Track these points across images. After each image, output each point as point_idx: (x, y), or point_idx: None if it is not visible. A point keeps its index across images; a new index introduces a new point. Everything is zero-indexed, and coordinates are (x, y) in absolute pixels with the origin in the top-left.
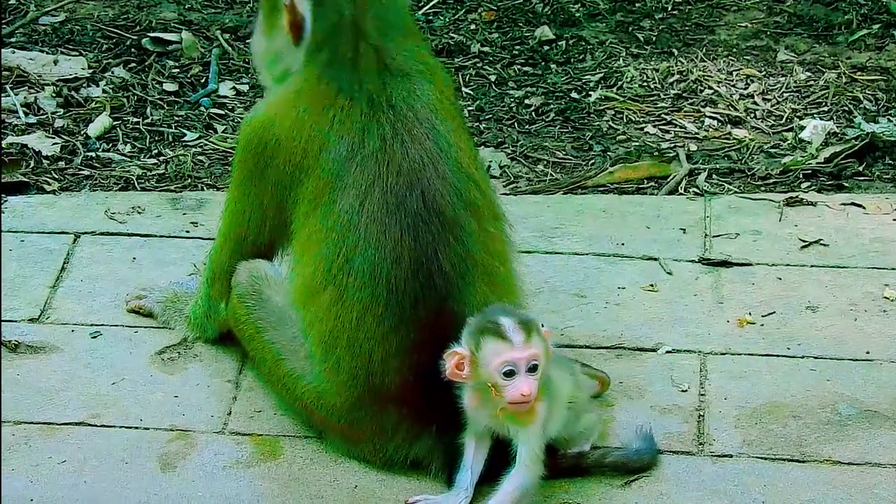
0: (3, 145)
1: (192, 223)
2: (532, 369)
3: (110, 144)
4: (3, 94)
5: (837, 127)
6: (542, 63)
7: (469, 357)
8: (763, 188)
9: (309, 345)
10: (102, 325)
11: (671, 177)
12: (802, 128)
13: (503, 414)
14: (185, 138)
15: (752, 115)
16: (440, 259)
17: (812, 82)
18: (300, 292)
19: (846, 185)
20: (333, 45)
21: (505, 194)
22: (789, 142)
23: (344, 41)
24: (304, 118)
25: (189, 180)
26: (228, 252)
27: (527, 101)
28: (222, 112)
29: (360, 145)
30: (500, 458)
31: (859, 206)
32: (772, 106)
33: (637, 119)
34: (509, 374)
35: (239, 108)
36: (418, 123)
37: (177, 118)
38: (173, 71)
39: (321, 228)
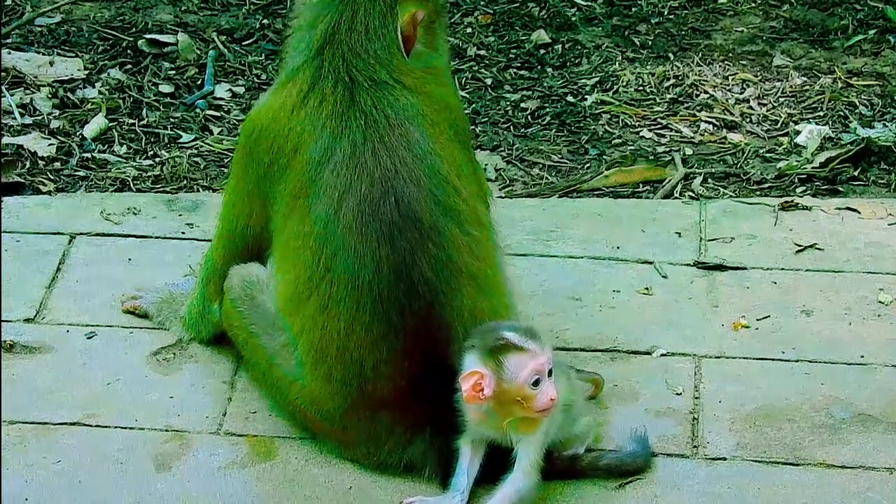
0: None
1: (187, 224)
2: (550, 373)
3: (106, 146)
4: (0, 96)
5: (833, 132)
6: (538, 67)
7: (491, 378)
8: (758, 192)
9: (300, 352)
10: (98, 325)
11: (666, 181)
12: (798, 132)
13: (509, 425)
14: (181, 140)
15: (748, 120)
16: (421, 266)
17: (808, 87)
18: (285, 301)
19: (841, 189)
20: (307, 45)
21: (500, 197)
22: (785, 146)
23: (316, 44)
24: (279, 115)
25: (185, 182)
26: (221, 249)
27: (523, 105)
28: (218, 114)
29: (332, 150)
30: (496, 460)
31: (854, 210)
32: (767, 110)
33: (633, 123)
34: (536, 382)
35: (235, 109)
36: (391, 130)
37: (173, 120)
38: (169, 73)
39: (298, 234)
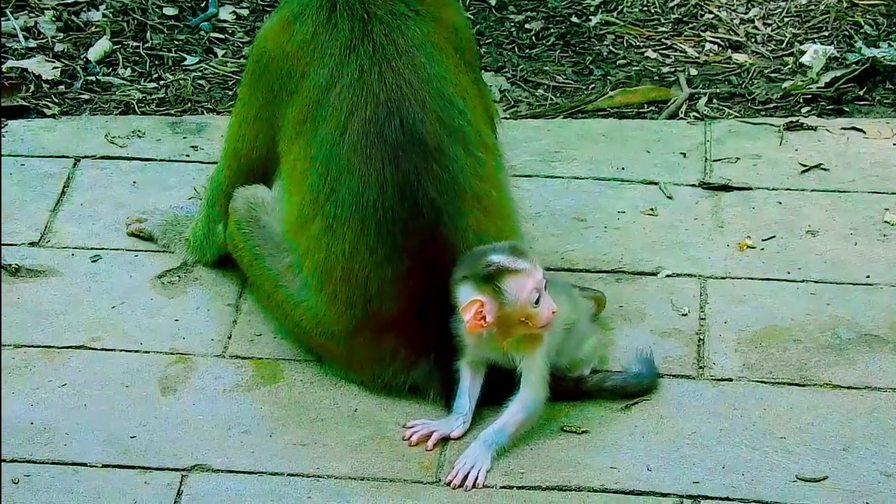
0: (3, 69)
1: (192, 147)
2: (545, 286)
3: (110, 68)
4: (3, 19)
5: (838, 51)
6: None
7: (492, 304)
8: (763, 113)
9: (304, 274)
10: (103, 248)
11: (671, 101)
12: (803, 52)
13: (510, 345)
14: (186, 62)
15: (753, 40)
16: (425, 186)
17: (812, 7)
18: (291, 222)
19: (846, 109)
20: None
21: (505, 118)
22: (790, 66)
23: None
24: (286, 46)
25: (189, 104)
26: (227, 171)
27: (527, 26)
28: (222, 36)
29: (339, 75)
30: (497, 381)
31: (859, 130)
32: (772, 30)
33: (637, 43)
34: (538, 300)
35: (239, 32)
36: (398, 56)
37: (177, 42)
38: None
39: (304, 157)
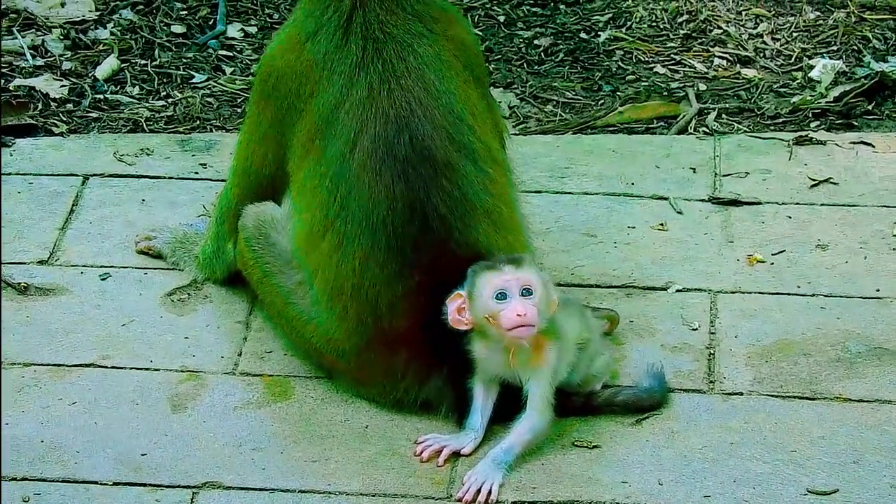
0: (11, 88)
1: (200, 165)
2: (526, 293)
3: (118, 87)
4: (10, 37)
5: (846, 66)
6: (551, 3)
7: (466, 298)
8: (772, 127)
9: (315, 291)
10: (112, 266)
11: (681, 116)
12: (811, 67)
13: (514, 360)
14: (194, 80)
15: (762, 55)
16: (434, 202)
17: (821, 21)
18: (301, 240)
19: (855, 123)
20: (334, 11)
21: (515, 134)
22: (798, 81)
23: (344, 13)
24: (295, 64)
25: (198, 122)
26: (236, 189)
27: (536, 42)
28: (230, 54)
29: (348, 93)
30: (511, 398)
31: (868, 144)
32: (781, 45)
33: (646, 59)
34: (502, 297)
35: (247, 49)
36: (408, 73)
37: (185, 60)
38: (181, 13)
39: (314, 175)
